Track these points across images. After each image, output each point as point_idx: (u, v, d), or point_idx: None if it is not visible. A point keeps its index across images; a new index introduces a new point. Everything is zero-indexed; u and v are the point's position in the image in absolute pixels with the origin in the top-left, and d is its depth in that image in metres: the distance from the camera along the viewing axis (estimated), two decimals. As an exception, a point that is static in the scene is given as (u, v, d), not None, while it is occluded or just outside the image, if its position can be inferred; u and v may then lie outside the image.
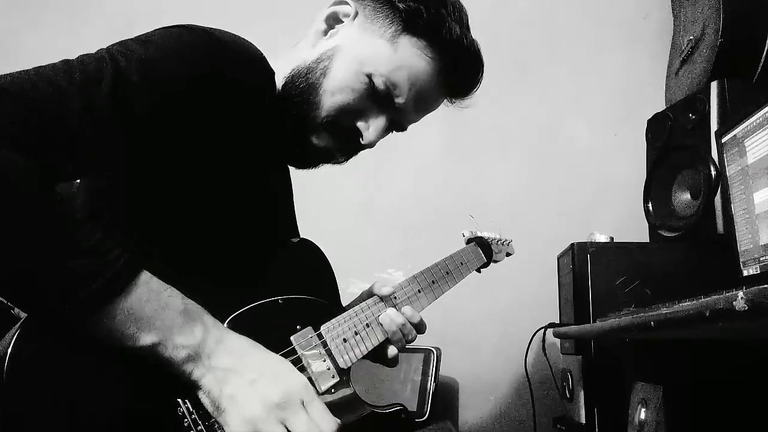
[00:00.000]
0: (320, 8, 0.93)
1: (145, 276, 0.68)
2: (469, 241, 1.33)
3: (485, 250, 1.32)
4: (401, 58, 0.88)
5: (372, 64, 0.87)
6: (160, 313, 0.68)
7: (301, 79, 0.89)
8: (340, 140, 0.92)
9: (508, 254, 1.45)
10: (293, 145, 0.92)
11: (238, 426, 0.71)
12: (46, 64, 0.68)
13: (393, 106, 0.90)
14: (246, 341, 0.77)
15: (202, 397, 0.72)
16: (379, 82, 0.87)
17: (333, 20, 0.91)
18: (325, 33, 0.91)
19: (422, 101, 0.93)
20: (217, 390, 0.72)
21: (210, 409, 0.72)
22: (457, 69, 0.93)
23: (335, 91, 0.87)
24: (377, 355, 0.99)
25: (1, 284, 0.62)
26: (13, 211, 0.60)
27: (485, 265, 1.34)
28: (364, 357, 0.97)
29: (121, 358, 0.67)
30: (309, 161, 0.96)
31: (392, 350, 0.99)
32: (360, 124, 0.90)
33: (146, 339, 0.67)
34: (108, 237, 0.66)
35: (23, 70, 0.66)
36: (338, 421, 0.78)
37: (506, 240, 1.45)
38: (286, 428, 0.73)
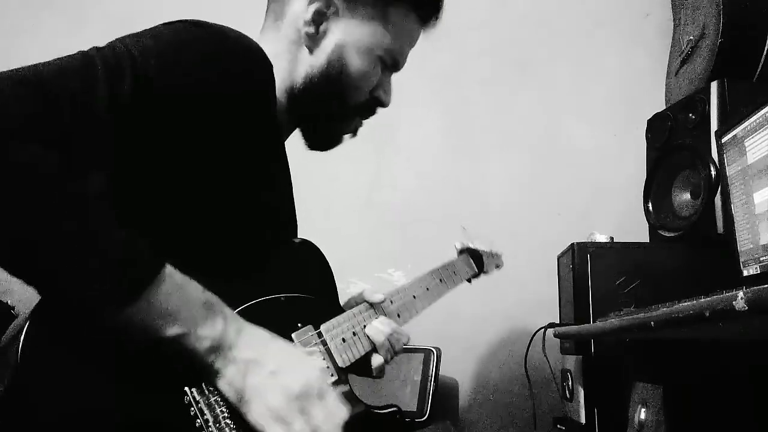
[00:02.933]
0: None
1: (169, 269, 0.69)
2: (461, 252, 1.35)
3: (477, 262, 1.34)
4: (397, 30, 0.96)
5: (378, 47, 0.95)
6: (183, 305, 0.69)
7: (320, 86, 0.93)
8: (361, 113, 1.01)
9: (497, 266, 1.48)
10: (320, 136, 1.01)
11: (261, 415, 0.73)
12: (64, 56, 0.68)
13: (396, 66, 1.01)
14: (263, 332, 0.78)
15: (224, 386, 0.73)
16: (387, 58, 0.97)
17: (318, 16, 0.92)
18: (317, 32, 0.92)
19: (412, 45, 1.02)
20: (240, 380, 0.73)
21: (233, 398, 0.73)
22: (433, 5, 1.00)
23: (357, 85, 0.95)
24: (364, 366, 0.99)
25: (34, 275, 0.63)
26: (52, 205, 0.61)
27: (476, 275, 1.36)
28: (354, 369, 0.97)
29: (130, 347, 0.67)
30: (334, 143, 1.03)
31: (377, 360, 0.99)
32: (378, 93, 0.99)
33: (171, 331, 0.68)
34: (131, 231, 0.66)
35: (39, 63, 0.66)
36: (348, 408, 0.81)
37: (497, 253, 1.47)
38: (306, 416, 0.75)
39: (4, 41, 2.02)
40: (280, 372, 0.75)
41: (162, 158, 0.76)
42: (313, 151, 1.03)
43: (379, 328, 0.98)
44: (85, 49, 0.70)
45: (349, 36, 0.93)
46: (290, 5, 0.94)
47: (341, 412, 0.79)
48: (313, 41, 0.93)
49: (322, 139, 1.02)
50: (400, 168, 2.09)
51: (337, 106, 0.96)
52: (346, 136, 1.02)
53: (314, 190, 1.90)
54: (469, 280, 1.35)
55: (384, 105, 1.01)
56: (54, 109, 0.63)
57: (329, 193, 2.03)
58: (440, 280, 1.19)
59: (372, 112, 1.02)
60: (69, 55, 0.68)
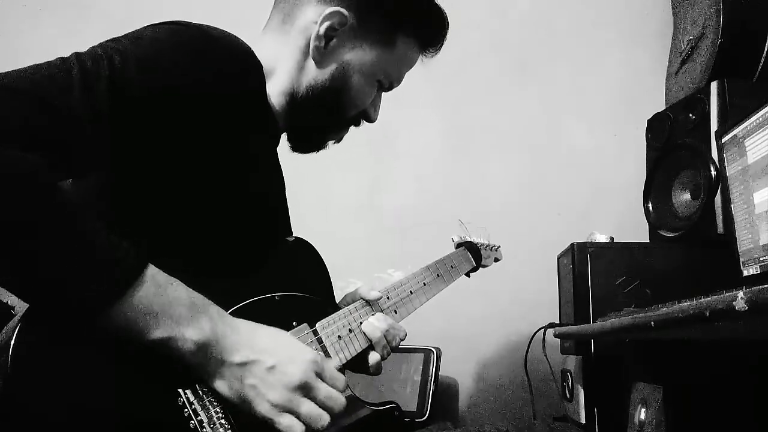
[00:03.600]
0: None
1: (152, 270, 0.68)
2: (458, 246, 1.35)
3: (474, 255, 1.34)
4: (400, 57, 0.99)
5: (380, 72, 0.98)
6: (167, 307, 0.69)
7: (320, 99, 0.95)
8: (348, 125, 1.03)
9: (496, 259, 1.48)
10: (308, 143, 1.03)
11: (268, 411, 0.73)
12: (43, 62, 0.68)
13: (391, 88, 1.04)
14: (251, 325, 0.78)
15: (223, 388, 0.73)
16: (386, 81, 1.00)
17: (330, 31, 0.92)
18: (326, 47, 0.93)
19: (409, 69, 1.05)
20: (238, 383, 0.73)
21: (234, 400, 0.73)
22: (437, 38, 1.03)
23: (356, 104, 0.98)
24: (361, 363, 0.99)
25: (19, 281, 0.62)
26: (35, 209, 0.61)
27: (474, 269, 1.35)
28: (350, 367, 0.97)
29: (123, 349, 0.67)
30: (319, 149, 1.04)
31: (374, 357, 0.99)
32: (368, 110, 1.02)
33: (156, 333, 0.67)
34: (113, 233, 0.66)
35: (21, 68, 0.66)
36: (344, 376, 0.83)
37: (495, 245, 1.47)
38: (310, 398, 0.77)
39: (4, 41, 2.02)
40: (277, 366, 0.75)
41: (152, 159, 0.75)
42: (305, 154, 1.05)
43: (375, 324, 0.98)
44: (66, 55, 0.70)
45: (356, 58, 0.94)
46: (303, 11, 0.94)
47: (340, 382, 0.82)
48: (321, 55, 0.93)
49: (309, 146, 1.04)
50: (400, 170, 2.09)
51: (331, 119, 0.99)
52: (330, 142, 1.05)
53: (314, 193, 1.91)
54: (467, 274, 1.34)
55: (371, 121, 1.04)
56: (32, 114, 0.63)
57: (329, 195, 2.03)
58: (437, 275, 1.19)
59: (357, 125, 1.04)
60: (47, 61, 0.68)
